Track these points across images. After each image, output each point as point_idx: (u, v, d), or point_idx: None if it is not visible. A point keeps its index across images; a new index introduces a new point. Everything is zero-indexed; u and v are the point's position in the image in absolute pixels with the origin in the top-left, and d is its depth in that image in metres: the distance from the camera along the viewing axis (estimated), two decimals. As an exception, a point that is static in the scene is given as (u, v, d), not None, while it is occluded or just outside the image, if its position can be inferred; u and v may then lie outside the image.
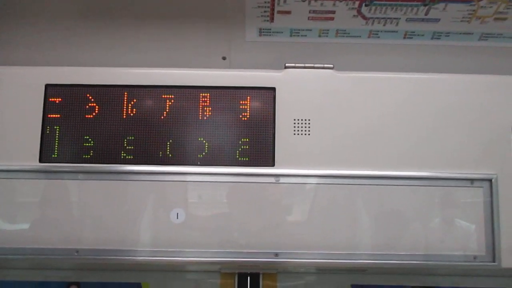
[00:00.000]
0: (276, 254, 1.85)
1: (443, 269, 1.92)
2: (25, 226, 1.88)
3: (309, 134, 1.91)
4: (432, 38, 2.00)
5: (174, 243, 1.86)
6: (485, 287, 2.09)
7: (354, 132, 1.90)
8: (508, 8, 1.84)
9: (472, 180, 1.88)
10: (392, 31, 1.97)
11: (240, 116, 1.92)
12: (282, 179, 1.88)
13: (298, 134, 1.91)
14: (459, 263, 1.85)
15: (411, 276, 2.10)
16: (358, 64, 2.02)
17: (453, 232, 1.87)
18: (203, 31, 2.02)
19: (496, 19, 1.90)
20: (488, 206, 1.87)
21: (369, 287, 2.10)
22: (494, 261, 1.84)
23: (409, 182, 1.88)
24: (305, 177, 1.88)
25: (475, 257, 1.85)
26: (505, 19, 1.90)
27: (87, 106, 1.93)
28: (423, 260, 1.85)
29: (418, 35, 1.99)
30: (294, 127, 1.92)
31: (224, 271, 2.08)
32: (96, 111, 1.92)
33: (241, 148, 1.91)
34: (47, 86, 1.94)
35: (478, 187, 1.88)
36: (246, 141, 1.91)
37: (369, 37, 2.01)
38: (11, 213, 1.89)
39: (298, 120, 1.92)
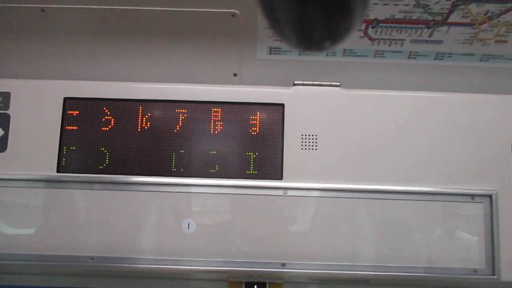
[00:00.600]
0: (283, 264, 1.92)
1: (444, 281, 1.98)
2: (42, 233, 1.95)
3: (316, 149, 1.99)
4: (435, 59, 2.08)
5: (184, 252, 1.93)
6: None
7: (359, 147, 1.98)
8: (508, 32, 1.92)
9: (472, 196, 1.95)
10: (397, 51, 2.05)
11: (250, 131, 2.00)
12: (289, 192, 1.96)
13: (305, 149, 1.99)
14: (460, 276, 1.91)
15: (413, 288, 2.16)
16: (364, 82, 2.09)
17: (454, 246, 1.94)
18: (216, 48, 2.10)
19: (496, 41, 1.98)
20: (488, 221, 1.93)
21: (372, 298, 2.15)
22: (494, 274, 1.90)
23: (412, 196, 1.95)
24: (312, 191, 1.96)
25: (475, 270, 1.91)
26: (505, 41, 1.98)
27: (104, 119, 2.01)
28: (424, 272, 1.92)
29: (422, 55, 2.07)
30: (302, 142, 1.99)
31: (232, 280, 2.14)
32: (112, 124, 2.01)
33: (251, 162, 1.98)
34: (66, 99, 2.03)
35: (478, 202, 1.95)
36: (255, 155, 1.99)
37: (374, 56, 2.09)
38: (30, 220, 1.97)
39: (306, 135, 2.00)
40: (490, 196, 1.94)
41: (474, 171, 1.97)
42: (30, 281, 2.20)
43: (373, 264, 1.92)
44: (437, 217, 1.94)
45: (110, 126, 2.01)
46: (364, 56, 2.08)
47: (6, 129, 2.02)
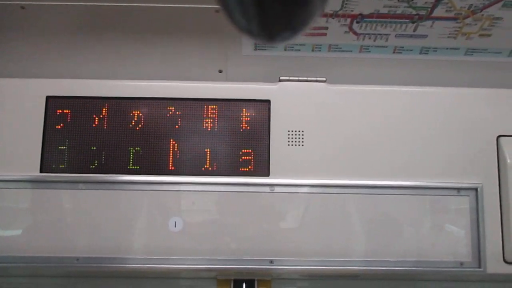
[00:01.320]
0: (271, 261, 1.91)
1: (431, 274, 1.99)
2: (26, 235, 1.92)
3: (302, 145, 1.98)
4: (420, 53, 2.09)
5: (172, 251, 1.91)
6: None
7: (346, 143, 1.98)
8: (491, 26, 1.93)
9: (458, 189, 1.96)
10: (382, 46, 2.05)
11: (237, 128, 1.99)
12: (276, 189, 1.95)
13: (292, 145, 1.98)
14: (447, 269, 1.93)
15: (402, 282, 2.17)
16: (349, 78, 2.09)
17: (441, 239, 1.95)
18: (200, 45, 2.09)
19: (481, 35, 1.99)
20: (474, 214, 1.94)
21: (361, 292, 2.16)
22: (480, 267, 1.92)
23: (400, 191, 1.95)
24: (299, 187, 1.95)
25: (461, 263, 1.93)
26: (489, 35, 1.99)
27: (87, 118, 1.98)
28: (412, 266, 1.92)
29: (407, 50, 2.07)
30: (289, 138, 1.98)
31: (221, 277, 2.13)
32: (97, 122, 1.98)
33: (237, 159, 1.97)
34: (48, 98, 2.00)
35: (464, 195, 1.96)
36: (242, 152, 1.97)
37: (360, 51, 2.09)
38: (11, 222, 1.94)
39: (292, 131, 1.99)
40: (476, 189, 1.95)
41: (460, 164, 1.98)
42: (16, 284, 2.17)
43: (362, 259, 1.93)
44: (425, 211, 1.95)
45: (94, 125, 1.98)
46: (349, 51, 2.08)
47: None
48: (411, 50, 2.07)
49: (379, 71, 2.15)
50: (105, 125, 1.98)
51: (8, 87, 2.01)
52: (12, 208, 1.95)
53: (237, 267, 1.92)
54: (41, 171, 1.95)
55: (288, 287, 2.18)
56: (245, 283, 2.17)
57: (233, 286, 2.16)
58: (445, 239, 1.95)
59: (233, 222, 1.94)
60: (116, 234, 1.92)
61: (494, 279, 2.07)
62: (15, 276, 2.18)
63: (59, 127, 1.98)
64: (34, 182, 1.94)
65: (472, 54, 2.10)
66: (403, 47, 2.06)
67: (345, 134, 1.98)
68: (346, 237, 1.94)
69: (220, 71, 2.15)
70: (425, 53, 2.08)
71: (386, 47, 2.05)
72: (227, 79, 2.16)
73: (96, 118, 1.98)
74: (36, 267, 1.93)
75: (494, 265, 1.92)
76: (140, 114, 1.98)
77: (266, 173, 1.96)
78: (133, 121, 1.98)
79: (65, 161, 1.96)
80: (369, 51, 2.08)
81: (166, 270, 1.94)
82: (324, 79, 2.02)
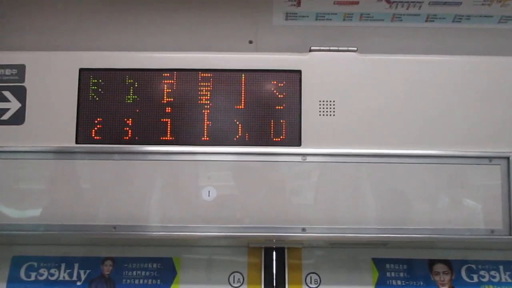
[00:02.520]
0: (304, 229, 1.95)
1: (462, 242, 2.02)
2: (64, 204, 1.97)
3: (334, 115, 1.99)
4: (453, 21, 2.06)
5: (206, 219, 1.95)
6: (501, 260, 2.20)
7: (378, 112, 1.98)
8: (528, -8, 1.90)
9: (490, 158, 1.96)
10: (415, 15, 2.03)
11: (268, 98, 2.00)
12: (308, 158, 1.97)
13: (323, 115, 1.99)
14: (478, 237, 1.95)
15: (430, 250, 2.21)
16: (381, 47, 2.08)
17: (472, 208, 1.96)
18: (230, 15, 2.08)
19: (516, 2, 1.96)
20: (506, 182, 1.95)
21: (389, 260, 2.20)
22: (510, 235, 1.93)
23: (431, 160, 1.96)
24: (331, 156, 1.97)
25: (492, 231, 1.94)
26: (524, 2, 1.96)
27: (120, 89, 2.00)
28: (443, 234, 1.94)
29: (440, 18, 2.05)
30: (320, 108, 1.99)
31: (252, 245, 2.18)
32: (131, 94, 2.00)
33: (268, 129, 1.99)
34: (81, 70, 2.02)
35: (496, 164, 1.96)
36: (273, 122, 1.99)
37: (392, 20, 2.07)
38: (50, 192, 1.99)
39: (323, 101, 2.00)
40: (508, 158, 1.95)
41: (491, 133, 1.98)
42: (50, 252, 2.24)
43: (392, 227, 1.95)
44: (456, 180, 1.96)
45: (128, 96, 2.00)
46: (381, 20, 2.06)
47: (23, 101, 2.01)
48: (444, 18, 2.04)
49: (410, 40, 2.13)
50: (138, 96, 2.00)
51: (42, 60, 2.04)
52: (50, 178, 1.99)
53: (270, 235, 1.96)
54: (76, 142, 1.99)
55: (318, 255, 2.22)
56: (275, 251, 2.23)
57: (263, 254, 2.22)
58: (476, 207, 1.96)
59: (265, 191, 1.97)
60: (151, 203, 1.96)
61: None
62: (51, 245, 2.25)
63: (93, 98, 2.01)
64: (70, 153, 1.98)
65: (506, 22, 2.07)
66: (436, 15, 2.03)
67: (377, 103, 1.98)
68: (377, 205, 1.96)
69: (250, 42, 2.16)
70: (458, 21, 2.06)
71: (419, 15, 2.03)
72: (257, 50, 2.16)
73: (131, 89, 2.00)
74: (73, 235, 1.98)
75: None
76: (172, 85, 2.00)
77: (298, 143, 1.98)
78: (166, 92, 2.00)
79: (100, 132, 2.00)
80: (401, 20, 2.06)
81: (198, 238, 1.99)
82: (355, 48, 2.02)
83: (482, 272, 2.19)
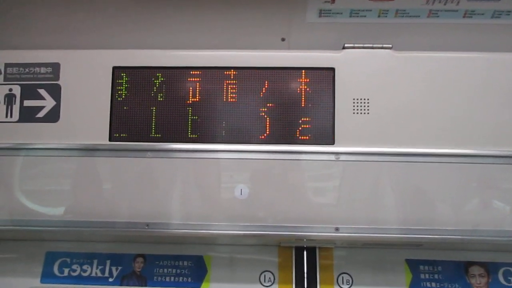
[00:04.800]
0: (337, 228, 1.92)
1: (496, 245, 1.96)
2: (98, 201, 1.99)
3: (368, 113, 1.96)
4: (492, 17, 2.00)
5: (238, 217, 1.95)
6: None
7: (413, 110, 1.94)
8: None
9: None
10: (452, 10, 1.98)
11: (301, 96, 1.98)
12: (342, 157, 1.94)
13: (357, 113, 1.96)
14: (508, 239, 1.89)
15: (466, 251, 2.15)
16: (416, 44, 2.04)
17: (505, 209, 1.90)
18: (263, 12, 2.07)
19: (559, -4, 1.90)
20: None
21: (423, 261, 2.15)
22: None
23: (467, 159, 1.91)
24: (364, 155, 1.94)
25: None
26: None
27: (154, 87, 2.01)
28: (476, 236, 1.89)
29: (478, 14, 1.99)
30: (354, 106, 1.96)
31: (284, 245, 2.17)
32: (163, 92, 2.01)
33: (302, 127, 1.97)
34: (114, 68, 2.03)
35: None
36: (306, 120, 1.97)
37: (428, 16, 2.02)
38: (83, 189, 2.01)
39: (357, 99, 1.97)
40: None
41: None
42: (82, 248, 2.26)
43: (426, 228, 1.91)
44: (495, 180, 1.91)
45: (161, 94, 2.01)
46: (417, 16, 2.02)
47: (58, 99, 2.04)
48: (482, 14, 1.99)
49: (447, 37, 2.08)
50: (170, 94, 2.00)
51: (76, 59, 2.06)
52: (83, 175, 2.01)
53: (302, 234, 1.94)
54: (110, 140, 2.00)
55: (350, 256, 2.18)
56: (306, 250, 2.21)
57: (294, 253, 2.20)
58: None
59: (298, 190, 1.96)
60: (183, 201, 1.97)
61: None
62: (82, 241, 2.27)
63: (126, 96, 2.02)
64: (103, 151, 2.00)
65: (548, 17, 2.00)
66: (474, 11, 1.98)
67: (412, 102, 1.94)
68: (413, 205, 1.92)
69: (283, 39, 2.13)
70: (497, 17, 2.00)
71: (456, 11, 1.98)
72: (290, 47, 2.14)
73: (164, 87, 2.01)
74: (106, 232, 2.00)
75: None
76: (202, 83, 2.00)
77: (331, 142, 1.95)
78: (196, 89, 2.00)
79: (133, 130, 2.01)
80: (438, 16, 2.01)
81: (229, 236, 1.98)
82: (390, 45, 1.98)
83: (520, 276, 2.13)
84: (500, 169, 1.92)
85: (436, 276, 2.14)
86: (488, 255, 2.15)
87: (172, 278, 2.19)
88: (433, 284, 2.13)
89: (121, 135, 2.01)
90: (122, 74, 2.03)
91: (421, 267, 2.15)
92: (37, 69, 2.06)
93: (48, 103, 2.04)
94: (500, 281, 2.12)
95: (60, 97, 2.04)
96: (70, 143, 2.01)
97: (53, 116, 2.04)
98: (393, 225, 1.92)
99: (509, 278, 2.12)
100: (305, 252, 2.21)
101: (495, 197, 1.92)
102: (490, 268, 2.14)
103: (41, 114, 2.04)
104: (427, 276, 2.14)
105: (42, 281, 2.21)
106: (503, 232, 1.89)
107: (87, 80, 2.04)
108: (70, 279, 2.21)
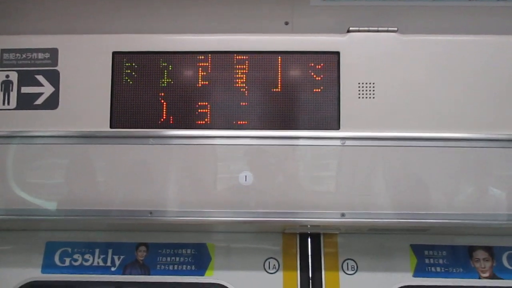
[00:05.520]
0: (343, 214, 1.91)
1: (504, 228, 1.96)
2: (99, 189, 1.96)
3: (373, 98, 1.93)
4: (498, -1, 1.99)
5: (243, 204, 1.92)
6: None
7: (419, 94, 1.92)
8: None
9: None
10: (458, -7, 1.96)
11: (305, 81, 1.95)
12: (347, 142, 1.92)
13: (363, 97, 1.94)
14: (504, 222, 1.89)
15: (470, 236, 2.15)
16: (422, 27, 2.02)
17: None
18: (266, -4, 2.04)
19: None
20: None
21: (428, 247, 2.15)
22: None
23: (473, 143, 1.90)
24: (371, 140, 1.92)
25: None
26: None
27: (155, 73, 1.97)
28: (484, 219, 1.89)
29: (484, -4, 1.97)
30: (359, 91, 1.94)
31: (288, 231, 2.15)
32: (165, 77, 1.96)
33: (306, 112, 1.94)
34: (115, 54, 1.99)
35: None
36: (311, 105, 1.94)
37: (434, -1, 2.00)
38: (84, 177, 1.97)
39: (363, 83, 1.94)
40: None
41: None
42: (83, 237, 2.23)
43: (432, 212, 1.90)
44: (500, 163, 1.90)
45: (163, 80, 1.97)
46: (423, -2, 2.00)
47: (57, 85, 1.99)
48: (488, -4, 1.97)
49: (453, 19, 2.06)
50: (173, 80, 1.96)
51: (75, 44, 2.01)
52: (84, 163, 1.97)
53: (308, 220, 1.93)
54: (111, 127, 1.96)
55: (354, 242, 2.17)
56: (310, 237, 2.19)
57: (299, 240, 2.19)
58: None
59: (303, 175, 1.94)
60: (187, 188, 1.94)
61: None
62: (83, 230, 2.24)
63: (126, 82, 1.98)
64: (105, 138, 1.96)
65: (555, -1, 1.98)
66: (481, -7, 1.96)
67: (418, 85, 1.92)
68: (417, 190, 1.91)
69: (287, 23, 2.11)
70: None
71: (463, -7, 1.96)
72: (293, 31, 2.10)
73: (165, 73, 1.96)
74: (109, 220, 1.97)
75: None
76: (207, 68, 1.96)
77: (337, 127, 1.93)
78: (200, 75, 1.96)
79: (134, 116, 1.97)
80: (444, -2, 1.98)
81: (234, 223, 1.96)
82: (396, 29, 1.95)
83: (524, 259, 2.13)
84: (491, 151, 1.90)
85: (440, 261, 2.14)
86: (492, 239, 2.15)
87: (176, 267, 2.17)
88: (438, 269, 2.13)
89: (122, 121, 1.97)
90: (122, 60, 1.98)
91: (426, 252, 2.15)
92: (34, 54, 2.01)
93: (47, 89, 1.99)
94: (505, 265, 2.12)
95: (58, 84, 1.99)
96: (70, 130, 1.97)
97: (52, 103, 1.99)
98: (400, 210, 1.90)
99: (514, 261, 2.13)
100: (309, 239, 2.19)
101: (501, 181, 1.90)
102: (494, 252, 2.14)
103: (39, 101, 1.99)
104: (431, 261, 2.14)
105: (43, 272, 2.18)
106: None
107: (86, 66, 1.99)
108: (71, 269, 2.18)
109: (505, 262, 2.13)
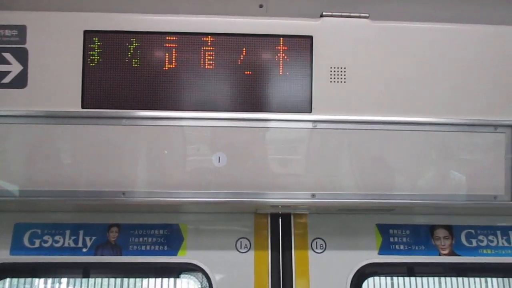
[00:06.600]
0: (313, 195, 1.97)
1: (465, 207, 2.08)
2: (70, 170, 1.94)
3: (345, 82, 1.99)
4: (468, -13, 2.05)
5: (215, 185, 1.95)
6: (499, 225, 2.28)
7: (389, 80, 1.99)
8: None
9: (495, 126, 2.00)
10: (429, -19, 2.01)
11: (277, 64, 1.97)
12: (319, 125, 1.97)
13: (334, 81, 1.98)
14: (480, 202, 2.01)
15: (432, 216, 2.27)
16: (393, 14, 2.07)
17: (476, 174, 2.01)
18: (241, -22, 2.03)
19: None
20: (510, 150, 2.00)
21: (393, 226, 2.25)
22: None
23: (439, 128, 1.99)
24: (342, 123, 1.97)
25: (495, 197, 2.00)
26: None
27: (128, 53, 1.95)
28: (448, 199, 1.99)
29: (454, -16, 2.04)
30: (331, 75, 1.98)
31: (260, 211, 2.20)
32: (135, 57, 1.94)
33: (279, 95, 1.97)
34: (86, 32, 1.95)
35: (500, 132, 2.01)
36: (283, 88, 1.97)
37: (406, -14, 2.05)
38: (55, 157, 1.94)
39: (335, 68, 1.99)
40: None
41: (497, 102, 2.01)
42: (53, 219, 2.20)
43: (398, 193, 1.99)
44: (462, 147, 2.00)
45: (133, 60, 1.95)
46: (394, -15, 2.04)
47: (25, 64, 1.94)
48: (458, -16, 2.03)
49: (424, 7, 2.12)
50: (143, 60, 1.95)
51: (44, 21, 1.96)
52: (55, 144, 1.95)
53: (280, 200, 1.98)
54: (82, 107, 1.94)
55: (323, 222, 2.24)
56: (281, 217, 2.25)
57: (270, 220, 2.24)
58: (480, 174, 2.01)
59: (275, 157, 1.98)
60: (159, 169, 1.95)
61: None
62: (53, 212, 2.21)
63: (98, 62, 1.95)
64: (77, 118, 1.93)
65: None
66: (450, -18, 2.02)
67: (388, 71, 1.99)
68: (386, 172, 1.99)
69: (261, 6, 2.12)
70: (473, -12, 2.04)
71: (433, -18, 2.01)
72: (268, 14, 2.11)
73: (138, 53, 1.95)
74: (81, 201, 1.96)
75: None
76: (176, 49, 1.95)
77: (309, 110, 1.97)
78: (168, 56, 1.95)
79: (107, 97, 1.95)
80: (415, -14, 2.03)
81: (208, 204, 1.98)
82: (367, 15, 2.00)
83: (480, 237, 2.26)
84: (470, 136, 1.99)
85: (404, 239, 2.24)
86: (452, 218, 2.27)
87: (148, 247, 2.18)
88: (401, 247, 2.23)
89: (95, 102, 1.94)
90: (94, 39, 1.95)
91: (391, 231, 2.25)
92: (1, 31, 1.94)
93: (15, 67, 1.94)
94: (463, 243, 2.25)
95: (27, 62, 1.94)
96: (40, 110, 1.93)
97: (20, 81, 1.94)
98: (366, 191, 1.98)
99: (471, 239, 2.26)
100: (280, 219, 2.25)
101: (466, 163, 2.01)
102: (454, 231, 2.26)
103: (6, 80, 1.94)
104: (396, 239, 2.24)
105: (11, 253, 2.15)
106: (476, 196, 2.00)
107: (56, 44, 1.95)
108: (41, 250, 2.16)
109: (464, 240, 2.25)
